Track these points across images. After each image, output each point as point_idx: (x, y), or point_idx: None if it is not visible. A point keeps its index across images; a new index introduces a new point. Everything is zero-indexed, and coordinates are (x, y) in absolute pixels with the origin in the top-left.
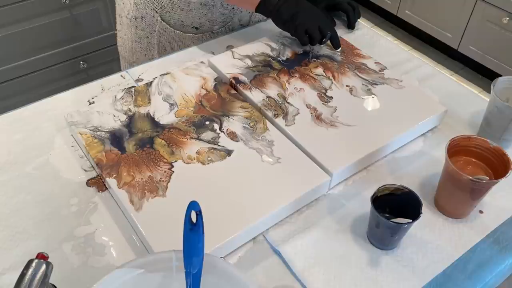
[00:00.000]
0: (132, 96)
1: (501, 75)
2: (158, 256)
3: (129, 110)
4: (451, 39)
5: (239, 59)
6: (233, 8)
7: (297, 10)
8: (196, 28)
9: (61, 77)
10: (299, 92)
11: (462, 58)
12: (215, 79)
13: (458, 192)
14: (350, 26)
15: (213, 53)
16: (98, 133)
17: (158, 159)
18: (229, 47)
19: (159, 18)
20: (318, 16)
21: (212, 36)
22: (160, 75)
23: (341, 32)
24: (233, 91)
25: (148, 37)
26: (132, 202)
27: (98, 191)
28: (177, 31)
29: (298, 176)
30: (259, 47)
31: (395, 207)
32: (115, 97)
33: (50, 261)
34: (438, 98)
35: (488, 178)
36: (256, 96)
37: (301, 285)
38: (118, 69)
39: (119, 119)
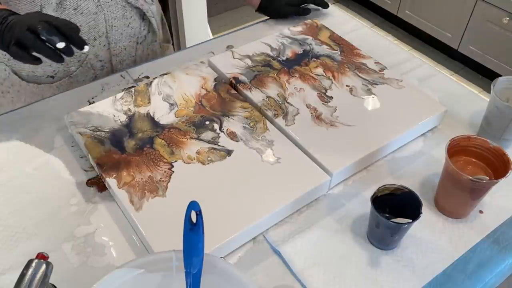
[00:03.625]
0: (132, 96)
1: (501, 75)
2: (158, 256)
3: (129, 110)
4: (451, 39)
5: (239, 59)
6: None
7: None
8: (52, 77)
9: None
10: (299, 92)
11: (462, 58)
12: (215, 79)
13: (458, 192)
14: (322, 6)
15: (213, 53)
16: (98, 133)
17: (158, 159)
18: (229, 47)
19: (10, 71)
20: None
21: (72, 80)
22: (160, 75)
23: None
24: (233, 91)
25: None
26: (132, 202)
27: (98, 191)
28: (31, 84)
29: (298, 176)
30: (259, 47)
31: (395, 207)
32: (115, 97)
33: (50, 261)
34: (438, 98)
35: (488, 178)
36: (256, 96)
37: (301, 285)
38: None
39: (119, 119)
